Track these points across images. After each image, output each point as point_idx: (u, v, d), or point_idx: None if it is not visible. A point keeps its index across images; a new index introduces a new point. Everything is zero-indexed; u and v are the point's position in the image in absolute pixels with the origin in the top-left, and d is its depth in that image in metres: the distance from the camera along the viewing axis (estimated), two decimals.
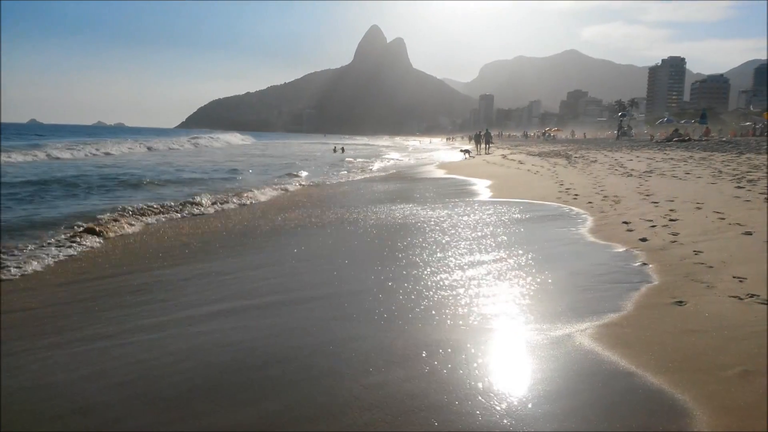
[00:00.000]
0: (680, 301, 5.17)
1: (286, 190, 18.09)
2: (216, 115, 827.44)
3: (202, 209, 12.96)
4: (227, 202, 14.21)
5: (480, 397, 3.64)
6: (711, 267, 6.14)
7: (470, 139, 53.47)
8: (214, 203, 13.76)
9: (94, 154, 38.12)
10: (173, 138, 71.79)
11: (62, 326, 5.34)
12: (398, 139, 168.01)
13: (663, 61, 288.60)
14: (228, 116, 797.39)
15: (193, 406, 3.68)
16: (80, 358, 4.55)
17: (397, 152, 57.45)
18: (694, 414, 3.32)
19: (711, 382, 3.67)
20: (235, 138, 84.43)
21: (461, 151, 43.70)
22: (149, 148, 49.27)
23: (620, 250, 7.41)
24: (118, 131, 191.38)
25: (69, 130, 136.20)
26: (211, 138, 72.47)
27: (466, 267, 7.04)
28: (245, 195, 15.51)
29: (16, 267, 7.30)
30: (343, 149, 56.94)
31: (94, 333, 5.13)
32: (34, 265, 7.46)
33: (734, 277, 5.69)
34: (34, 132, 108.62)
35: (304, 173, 25.47)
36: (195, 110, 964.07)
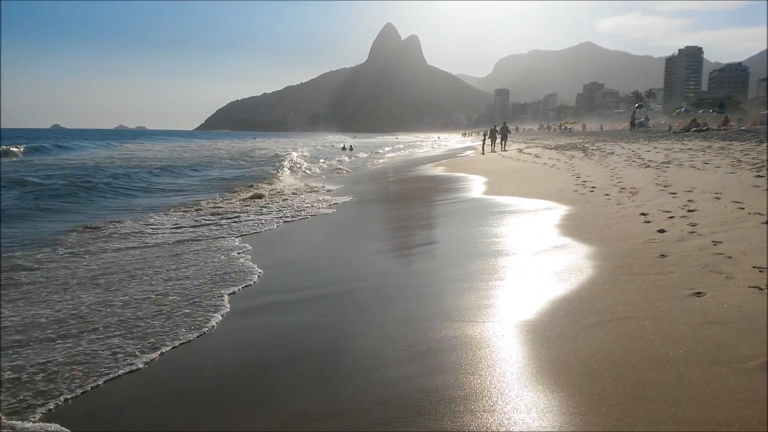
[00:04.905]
0: (699, 293, 5.09)
1: None
2: (234, 116, 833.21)
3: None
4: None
5: (495, 395, 3.63)
6: (730, 257, 6.03)
7: (485, 135, 41.81)
8: None
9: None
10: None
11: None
12: (424, 136, 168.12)
13: (680, 51, 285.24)
14: (246, 117, 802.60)
15: (209, 406, 3.76)
16: None
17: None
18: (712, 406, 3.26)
19: (730, 374, 3.60)
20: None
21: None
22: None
23: (637, 241, 7.30)
24: (141, 134, 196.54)
25: (98, 135, 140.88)
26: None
27: (494, 256, 7.03)
28: None
29: None
30: (351, 147, 59.19)
31: None
32: None
33: (754, 267, 5.58)
34: (69, 136, 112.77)
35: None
36: (213, 112, 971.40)
